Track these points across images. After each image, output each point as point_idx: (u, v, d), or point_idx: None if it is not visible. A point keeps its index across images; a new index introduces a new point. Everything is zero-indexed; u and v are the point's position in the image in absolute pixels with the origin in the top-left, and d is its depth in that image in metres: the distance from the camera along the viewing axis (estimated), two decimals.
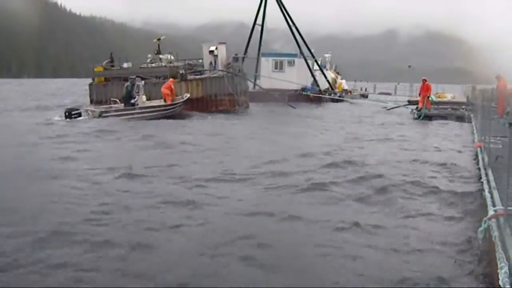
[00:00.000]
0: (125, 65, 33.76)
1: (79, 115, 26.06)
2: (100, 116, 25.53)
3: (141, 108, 26.44)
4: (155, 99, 28.09)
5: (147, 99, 27.60)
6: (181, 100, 27.22)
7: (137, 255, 6.77)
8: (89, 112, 26.37)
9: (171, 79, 27.97)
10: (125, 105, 26.48)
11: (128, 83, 26.87)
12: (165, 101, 27.09)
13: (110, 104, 27.58)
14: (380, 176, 11.89)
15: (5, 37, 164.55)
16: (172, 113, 26.68)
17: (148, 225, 7.97)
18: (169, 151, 15.97)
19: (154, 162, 13.49)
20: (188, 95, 27.85)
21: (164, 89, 27.21)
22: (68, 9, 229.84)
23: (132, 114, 25.94)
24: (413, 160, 14.53)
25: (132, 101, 26.53)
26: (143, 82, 27.66)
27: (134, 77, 27.60)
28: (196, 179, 11.33)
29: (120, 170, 12.04)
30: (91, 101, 32.15)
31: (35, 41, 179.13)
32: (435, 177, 12.16)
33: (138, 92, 26.77)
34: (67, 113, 25.84)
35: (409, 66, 74.10)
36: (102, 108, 27.20)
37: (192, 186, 10.76)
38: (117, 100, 26.94)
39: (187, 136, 19.72)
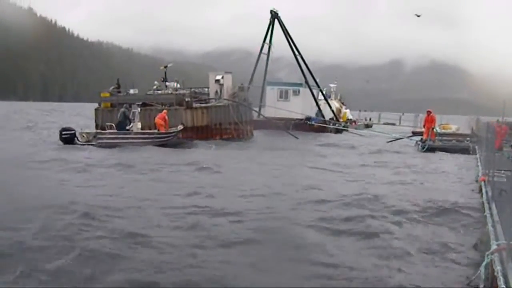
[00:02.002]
0: (131, 91, 33.88)
1: (74, 135, 26.38)
2: (94, 137, 25.93)
3: (135, 133, 26.74)
4: None
5: (152, 126, 27.83)
6: (176, 130, 27.43)
7: None
8: (83, 134, 26.75)
9: (164, 110, 28.21)
10: (118, 131, 26.86)
11: (123, 109, 27.31)
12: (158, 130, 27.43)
13: (106, 129, 27.76)
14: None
15: (12, 61, 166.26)
16: (165, 142, 26.74)
17: None
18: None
19: None
20: (182, 127, 27.80)
21: (158, 120, 27.45)
22: (76, 34, 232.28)
23: (126, 139, 26.24)
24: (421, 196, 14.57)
25: (127, 127, 26.86)
26: (139, 109, 27.89)
27: (129, 104, 28.11)
28: None
29: None
30: (97, 126, 32.24)
31: (42, 65, 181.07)
32: (436, 210, 12.17)
33: (133, 119, 27.09)
34: (60, 133, 26.26)
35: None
36: (97, 131, 27.78)
37: None
38: (113, 125, 27.21)
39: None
